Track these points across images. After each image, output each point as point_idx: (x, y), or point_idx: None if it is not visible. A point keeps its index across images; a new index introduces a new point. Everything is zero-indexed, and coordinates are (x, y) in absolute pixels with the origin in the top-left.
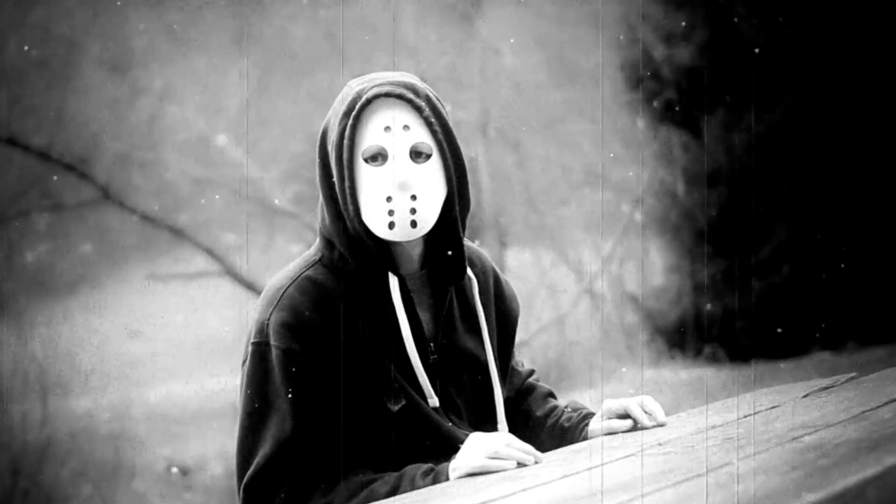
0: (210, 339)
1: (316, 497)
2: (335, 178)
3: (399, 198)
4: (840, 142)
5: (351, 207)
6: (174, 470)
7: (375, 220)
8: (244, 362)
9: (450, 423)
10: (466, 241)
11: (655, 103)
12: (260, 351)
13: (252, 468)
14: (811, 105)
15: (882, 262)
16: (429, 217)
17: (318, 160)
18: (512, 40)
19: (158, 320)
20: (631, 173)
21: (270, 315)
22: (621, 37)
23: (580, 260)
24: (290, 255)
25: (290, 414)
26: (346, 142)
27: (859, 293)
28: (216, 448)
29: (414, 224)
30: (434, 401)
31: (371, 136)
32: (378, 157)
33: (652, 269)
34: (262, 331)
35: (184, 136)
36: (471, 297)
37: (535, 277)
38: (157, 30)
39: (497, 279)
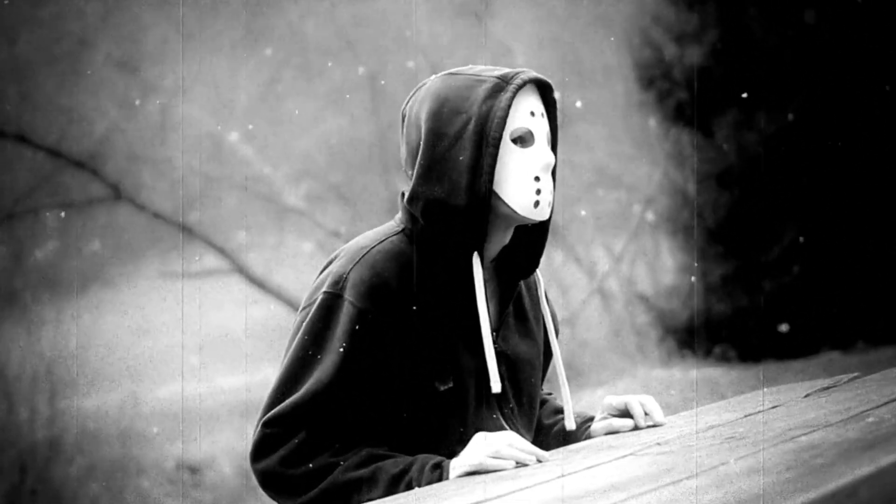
0: (220, 338)
1: (325, 454)
2: (462, 157)
3: (545, 179)
4: (851, 141)
5: (485, 185)
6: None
7: (522, 198)
8: (305, 307)
9: (495, 416)
10: None
11: (667, 103)
12: (331, 301)
13: (279, 407)
14: (822, 105)
15: (892, 262)
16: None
17: (423, 139)
18: (523, 39)
19: (168, 318)
20: (642, 173)
21: (351, 269)
22: (629, 29)
23: (591, 259)
24: (301, 253)
25: (335, 368)
26: (495, 122)
27: (869, 292)
28: (225, 446)
29: (549, 204)
30: (497, 386)
31: (519, 118)
32: (525, 139)
33: (663, 268)
34: (338, 283)
35: (195, 133)
36: (527, 299)
37: (545, 276)
38: (167, 27)
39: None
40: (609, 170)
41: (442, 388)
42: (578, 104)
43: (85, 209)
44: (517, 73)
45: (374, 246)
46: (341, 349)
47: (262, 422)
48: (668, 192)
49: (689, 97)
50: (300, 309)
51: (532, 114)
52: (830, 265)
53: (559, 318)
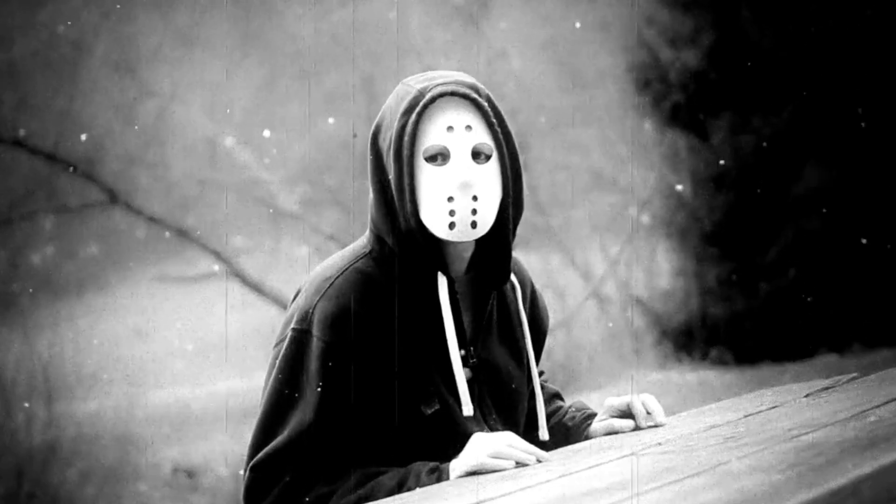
0: (216, 341)
1: (319, 485)
2: (391, 176)
3: (461, 198)
4: (846, 144)
5: (409, 206)
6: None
7: (435, 220)
8: (278, 344)
9: (486, 430)
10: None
11: (662, 106)
12: (300, 338)
13: (265, 450)
14: (817, 108)
15: (888, 264)
16: (488, 218)
17: (370, 157)
18: (518, 43)
19: (165, 322)
20: (638, 176)
21: (316, 304)
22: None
23: (587, 262)
24: (297, 257)
25: (315, 406)
26: (406, 140)
27: (865, 295)
28: (222, 450)
29: (474, 225)
30: (469, 409)
31: (434, 135)
32: (440, 156)
33: (659, 271)
34: (305, 318)
35: (191, 137)
36: (512, 304)
37: (542, 280)
38: (164, 31)
39: (534, 290)
40: (604, 173)
41: (428, 412)
42: (573, 107)
43: (81, 213)
44: (434, 86)
45: (339, 276)
46: (318, 388)
47: (249, 466)
48: (663, 195)
49: (684, 100)
50: (273, 345)
51: (450, 128)
52: (826, 268)
53: (551, 321)
